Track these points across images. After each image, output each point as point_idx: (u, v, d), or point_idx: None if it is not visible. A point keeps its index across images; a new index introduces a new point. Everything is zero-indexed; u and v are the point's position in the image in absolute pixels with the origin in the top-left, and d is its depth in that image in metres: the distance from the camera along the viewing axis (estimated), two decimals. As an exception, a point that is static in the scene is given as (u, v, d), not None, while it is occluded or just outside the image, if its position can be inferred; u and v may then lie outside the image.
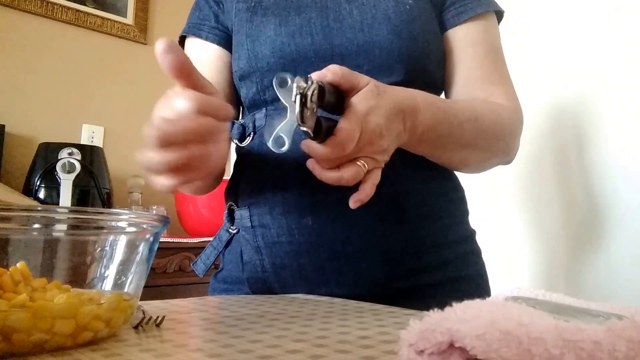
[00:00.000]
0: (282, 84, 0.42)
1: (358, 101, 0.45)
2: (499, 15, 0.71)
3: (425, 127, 0.52)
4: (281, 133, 0.41)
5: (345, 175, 0.45)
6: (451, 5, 0.68)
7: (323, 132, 0.43)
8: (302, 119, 0.40)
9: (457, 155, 0.61)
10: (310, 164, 0.47)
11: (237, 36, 0.67)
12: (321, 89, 0.42)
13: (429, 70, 0.64)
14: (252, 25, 0.64)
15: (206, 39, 0.71)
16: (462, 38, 0.67)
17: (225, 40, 0.71)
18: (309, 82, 0.41)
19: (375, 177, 0.48)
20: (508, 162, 0.68)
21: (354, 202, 0.48)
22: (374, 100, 0.46)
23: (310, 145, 0.44)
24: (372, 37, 0.61)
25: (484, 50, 0.67)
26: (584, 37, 1.11)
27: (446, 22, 0.68)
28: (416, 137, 0.53)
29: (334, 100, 0.45)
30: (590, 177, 1.08)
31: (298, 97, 0.40)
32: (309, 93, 0.40)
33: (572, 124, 1.12)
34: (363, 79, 0.46)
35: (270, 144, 0.42)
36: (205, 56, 0.71)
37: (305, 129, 0.42)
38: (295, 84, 0.40)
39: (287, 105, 0.41)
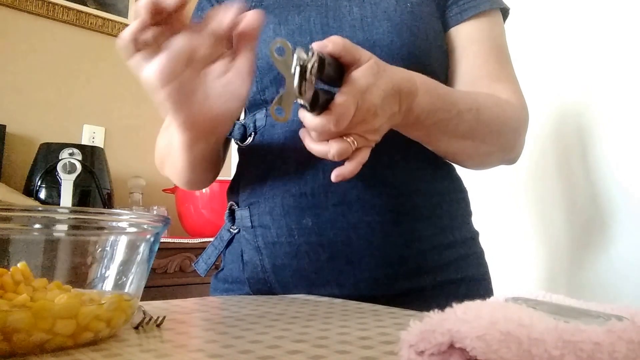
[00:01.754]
0: (280, 52, 0.41)
1: (357, 77, 0.45)
2: (505, 12, 0.70)
3: (420, 111, 0.52)
4: (281, 104, 0.41)
5: (332, 149, 0.45)
6: (454, 3, 0.67)
7: (320, 104, 0.43)
8: (300, 91, 0.40)
9: (455, 145, 0.59)
10: (302, 133, 0.48)
11: None
12: (321, 60, 0.42)
13: (430, 69, 0.63)
14: None
15: None
16: (466, 36, 0.66)
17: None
18: (310, 54, 0.41)
19: (363, 156, 0.48)
20: (512, 160, 0.67)
21: (335, 176, 0.48)
22: (373, 78, 0.45)
23: (305, 116, 0.45)
24: (372, 36, 0.61)
25: (488, 48, 0.66)
26: (587, 38, 1.11)
27: (449, 19, 0.67)
28: (411, 120, 0.52)
29: (333, 73, 0.45)
30: (593, 178, 1.08)
31: (298, 68, 0.39)
32: (309, 65, 0.40)
33: (576, 125, 1.12)
34: (365, 53, 0.46)
35: (271, 113, 0.42)
36: None
37: (302, 101, 0.41)
38: (297, 55, 0.40)
39: (284, 75, 0.41)
